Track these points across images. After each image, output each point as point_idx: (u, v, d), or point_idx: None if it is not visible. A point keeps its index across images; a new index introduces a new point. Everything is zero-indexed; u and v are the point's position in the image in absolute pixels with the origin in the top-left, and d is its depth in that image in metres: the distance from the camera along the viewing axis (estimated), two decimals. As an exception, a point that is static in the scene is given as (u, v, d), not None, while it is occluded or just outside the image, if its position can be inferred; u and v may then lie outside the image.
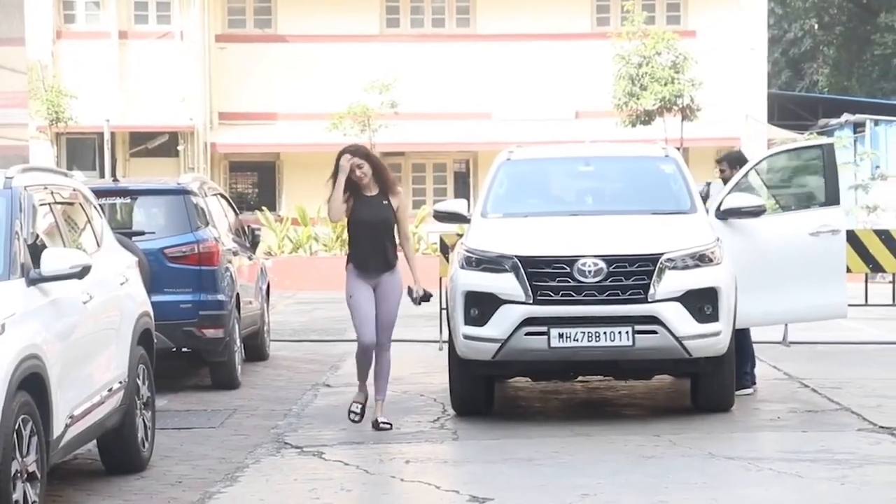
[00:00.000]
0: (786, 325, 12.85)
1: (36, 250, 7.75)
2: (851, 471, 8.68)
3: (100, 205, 9.81)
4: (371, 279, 10.40)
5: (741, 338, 11.55)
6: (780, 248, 11.82)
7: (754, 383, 11.99)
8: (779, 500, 7.89)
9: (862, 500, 7.94)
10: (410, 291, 10.47)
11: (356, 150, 10.52)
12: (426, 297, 10.51)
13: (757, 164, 12.44)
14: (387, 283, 10.42)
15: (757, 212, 11.62)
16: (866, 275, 16.91)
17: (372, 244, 10.38)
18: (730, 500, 7.97)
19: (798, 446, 9.53)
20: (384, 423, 10.42)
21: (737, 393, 11.21)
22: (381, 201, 10.41)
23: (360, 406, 10.64)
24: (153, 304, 9.86)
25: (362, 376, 10.70)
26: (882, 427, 10.21)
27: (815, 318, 12.31)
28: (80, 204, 9.12)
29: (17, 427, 6.87)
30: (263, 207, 30.56)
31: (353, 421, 10.58)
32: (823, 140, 13.21)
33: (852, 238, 14.68)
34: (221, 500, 8.15)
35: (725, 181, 12.30)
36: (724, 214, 11.63)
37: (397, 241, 10.62)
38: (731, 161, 12.56)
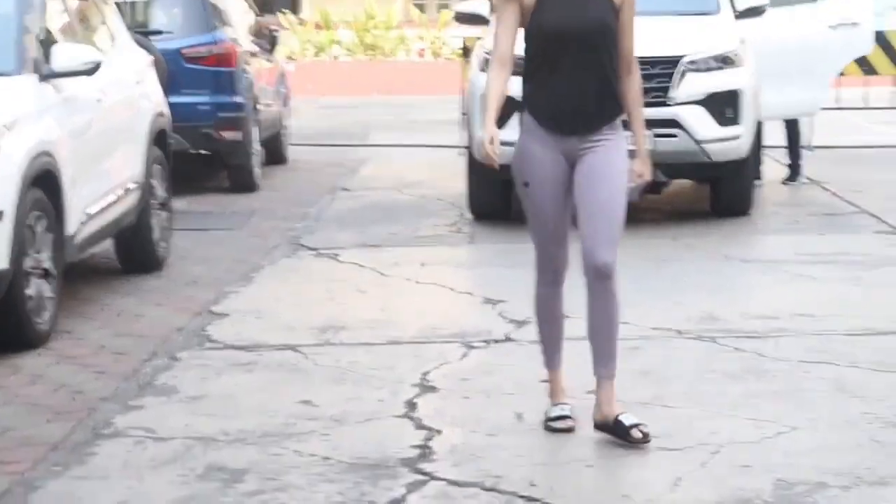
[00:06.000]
0: (811, 129, 12.83)
1: (48, 46, 7.66)
2: (866, 272, 8.69)
3: (116, 3, 9.69)
4: (572, 145, 5.50)
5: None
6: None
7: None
8: (792, 300, 7.89)
9: (875, 301, 7.93)
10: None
11: None
12: (660, 184, 5.30)
13: None
14: (604, 151, 5.48)
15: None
16: None
17: (576, 75, 5.41)
18: (744, 301, 8.00)
19: (814, 249, 9.52)
20: (634, 425, 5.42)
21: None
22: None
23: (563, 411, 5.69)
24: (171, 105, 9.81)
25: (551, 350, 5.81)
26: (899, 229, 10.22)
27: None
28: (94, 1, 9.00)
29: (29, 223, 6.89)
30: (285, 10, 30.21)
31: (561, 429, 5.65)
32: None
33: (882, 39, 14.50)
34: (236, 299, 8.21)
35: None
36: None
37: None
38: None
